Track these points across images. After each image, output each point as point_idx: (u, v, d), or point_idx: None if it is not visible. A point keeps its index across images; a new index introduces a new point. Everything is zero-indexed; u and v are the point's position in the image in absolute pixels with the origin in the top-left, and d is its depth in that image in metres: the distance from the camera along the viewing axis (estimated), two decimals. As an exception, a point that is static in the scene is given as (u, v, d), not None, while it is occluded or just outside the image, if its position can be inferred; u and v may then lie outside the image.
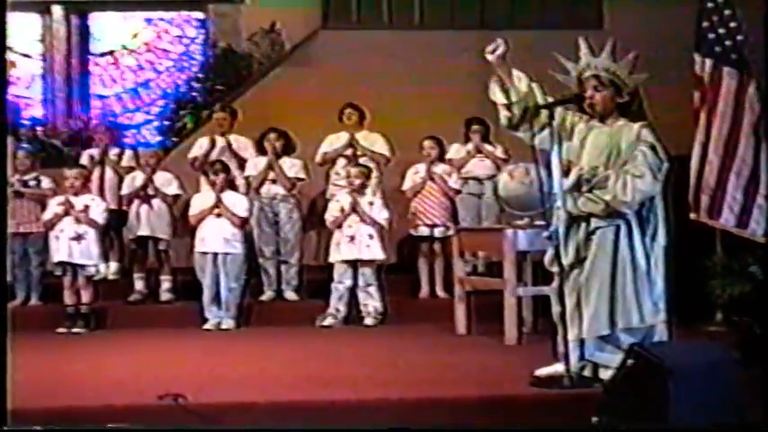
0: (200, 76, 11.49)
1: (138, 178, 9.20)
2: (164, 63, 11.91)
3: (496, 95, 5.44)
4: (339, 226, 8.72)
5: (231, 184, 8.85)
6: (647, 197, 5.28)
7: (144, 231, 9.11)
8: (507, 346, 7.28)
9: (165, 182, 9.17)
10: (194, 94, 11.35)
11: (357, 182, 8.76)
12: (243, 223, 8.75)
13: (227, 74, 11.23)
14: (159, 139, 11.33)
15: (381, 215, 8.73)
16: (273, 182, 9.18)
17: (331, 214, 8.81)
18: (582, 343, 5.39)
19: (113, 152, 9.65)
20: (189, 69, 11.84)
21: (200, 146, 9.59)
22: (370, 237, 8.67)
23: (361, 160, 9.35)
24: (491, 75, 5.47)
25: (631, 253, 5.29)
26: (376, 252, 8.67)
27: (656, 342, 5.30)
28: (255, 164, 9.26)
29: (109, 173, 9.52)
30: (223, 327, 8.51)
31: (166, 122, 11.43)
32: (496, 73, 5.42)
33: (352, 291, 8.72)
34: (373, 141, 9.60)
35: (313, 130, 9.66)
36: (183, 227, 9.10)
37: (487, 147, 9.53)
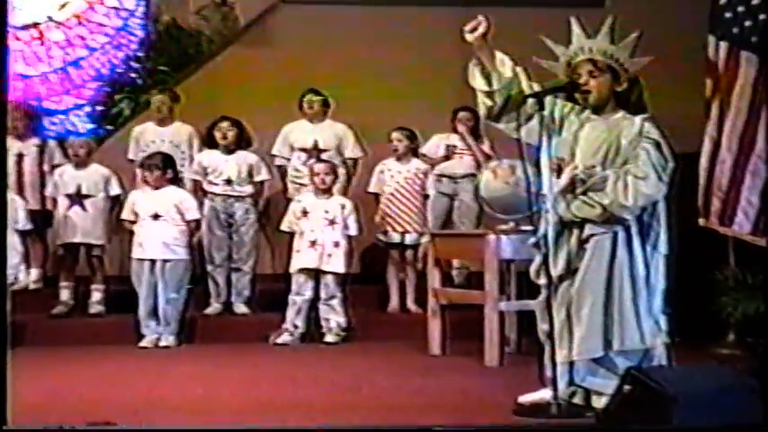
0: (139, 54, 11.43)
1: (66, 175, 9.13)
2: (97, 39, 11.81)
3: (476, 81, 5.44)
4: (300, 232, 8.72)
5: (174, 181, 8.82)
6: (651, 201, 5.32)
7: (75, 238, 9.05)
8: (487, 368, 7.32)
9: (101, 179, 9.12)
10: (132, 75, 11.31)
11: (328, 179, 8.74)
12: (197, 227, 8.80)
13: (170, 53, 11.19)
14: (91, 126, 11.26)
15: (352, 219, 8.76)
16: (228, 182, 9.17)
17: (289, 217, 8.82)
18: (572, 366, 5.42)
19: (32, 142, 9.50)
20: (127, 47, 11.75)
21: (135, 140, 9.57)
22: (336, 245, 8.68)
23: (325, 155, 9.36)
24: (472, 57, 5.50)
25: (630, 264, 5.32)
26: (337, 264, 8.67)
27: (656, 366, 5.33)
28: (205, 159, 9.25)
29: (29, 167, 9.38)
30: (162, 344, 8.51)
31: (100, 108, 11.38)
32: (477, 55, 5.44)
33: (312, 303, 8.73)
34: (340, 136, 9.59)
35: (270, 119, 9.66)
36: (122, 230, 9.05)
37: (472, 141, 9.56)
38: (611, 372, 5.34)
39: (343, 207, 8.77)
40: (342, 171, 9.35)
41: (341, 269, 8.68)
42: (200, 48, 11.23)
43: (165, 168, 8.71)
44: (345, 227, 8.73)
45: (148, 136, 9.60)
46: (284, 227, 8.90)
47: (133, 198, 8.81)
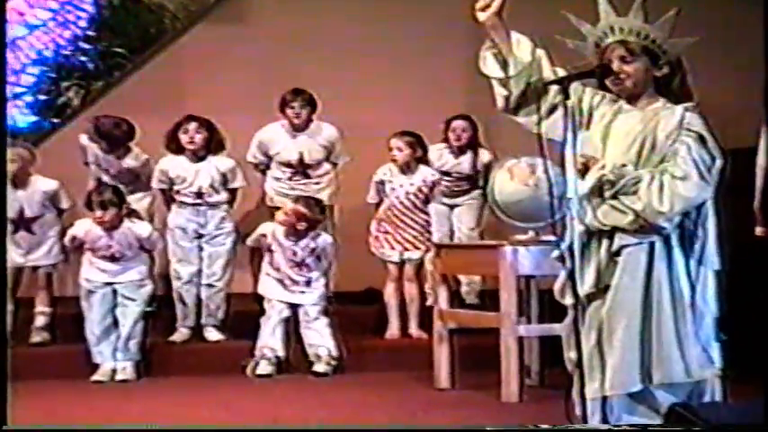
0: (89, 34, 11.44)
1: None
2: (38, 14, 11.83)
3: (489, 67, 5.42)
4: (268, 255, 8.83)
5: (130, 214, 8.77)
6: (693, 206, 5.30)
7: (23, 261, 9.06)
8: (505, 404, 7.32)
9: (46, 197, 9.07)
10: (82, 58, 11.31)
11: (301, 226, 8.73)
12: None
13: (127, 32, 11.20)
14: (33, 119, 11.26)
15: (330, 255, 8.89)
16: (198, 194, 9.14)
17: (254, 238, 8.94)
18: (605, 402, 5.41)
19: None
20: (74, 24, 11.77)
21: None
22: (307, 283, 8.79)
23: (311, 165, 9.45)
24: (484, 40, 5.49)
25: (670, 281, 5.28)
26: (311, 297, 8.79)
27: (707, 403, 5.31)
28: (170, 168, 9.19)
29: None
30: (119, 377, 8.52)
31: (43, 97, 11.38)
32: (490, 37, 5.43)
33: (290, 323, 8.78)
34: (328, 144, 9.54)
35: (246, 111, 9.66)
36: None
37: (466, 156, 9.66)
38: (652, 409, 5.33)
39: (313, 250, 8.80)
40: (331, 176, 9.43)
41: (315, 301, 8.79)
42: (162, 26, 11.23)
43: (120, 204, 8.64)
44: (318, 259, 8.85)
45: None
46: (249, 243, 9.02)
47: (78, 233, 8.72)
